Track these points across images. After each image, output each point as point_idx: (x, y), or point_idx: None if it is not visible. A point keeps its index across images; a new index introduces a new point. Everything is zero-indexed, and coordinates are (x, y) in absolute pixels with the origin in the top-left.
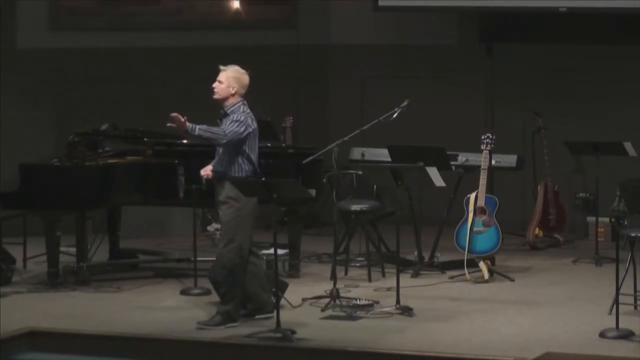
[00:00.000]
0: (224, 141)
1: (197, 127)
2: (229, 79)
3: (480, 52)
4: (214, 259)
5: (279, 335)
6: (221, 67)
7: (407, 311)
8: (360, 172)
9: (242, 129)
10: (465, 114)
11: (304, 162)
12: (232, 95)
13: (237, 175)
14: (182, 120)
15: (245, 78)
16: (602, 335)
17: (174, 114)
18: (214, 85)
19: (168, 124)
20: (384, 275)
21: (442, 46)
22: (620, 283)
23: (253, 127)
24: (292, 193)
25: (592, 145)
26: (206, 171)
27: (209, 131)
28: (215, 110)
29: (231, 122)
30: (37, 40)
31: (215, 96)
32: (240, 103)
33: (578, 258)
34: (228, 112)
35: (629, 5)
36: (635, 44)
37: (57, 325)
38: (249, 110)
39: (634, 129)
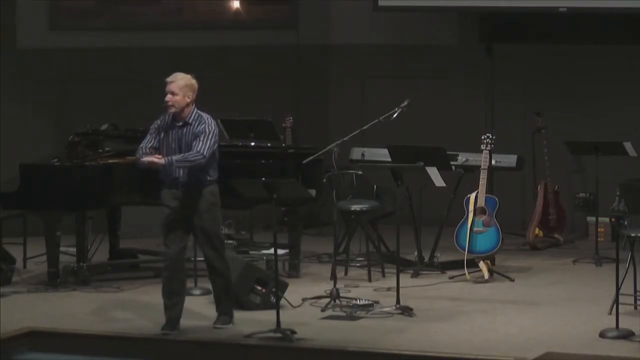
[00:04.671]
0: (204, 161)
1: (174, 159)
2: (183, 89)
3: (480, 52)
4: None
5: (279, 335)
6: (168, 80)
7: (407, 311)
8: (360, 172)
9: (214, 139)
10: (465, 114)
11: (304, 162)
12: (188, 104)
13: (211, 179)
14: (157, 161)
15: (195, 83)
16: (602, 335)
17: (148, 160)
18: (167, 99)
19: (146, 163)
20: (384, 275)
21: (442, 46)
22: (620, 283)
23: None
24: (292, 193)
25: (592, 145)
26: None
27: (187, 160)
28: (215, 108)
29: (204, 137)
30: (37, 40)
31: (172, 110)
32: (196, 110)
33: (578, 258)
34: (190, 121)
35: (628, 5)
36: (635, 44)
37: (57, 325)
38: (205, 114)
39: (634, 129)
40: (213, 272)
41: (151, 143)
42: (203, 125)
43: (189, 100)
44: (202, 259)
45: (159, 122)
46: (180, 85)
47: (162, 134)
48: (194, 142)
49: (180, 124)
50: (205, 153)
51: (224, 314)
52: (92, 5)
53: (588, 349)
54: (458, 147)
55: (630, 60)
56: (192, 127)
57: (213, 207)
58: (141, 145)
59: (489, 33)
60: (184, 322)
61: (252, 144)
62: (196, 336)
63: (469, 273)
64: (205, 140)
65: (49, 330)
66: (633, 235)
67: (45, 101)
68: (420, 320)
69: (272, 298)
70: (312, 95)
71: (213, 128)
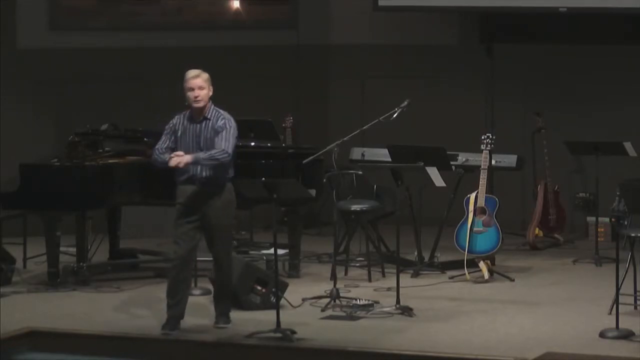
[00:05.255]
0: (229, 159)
1: (201, 157)
2: (207, 82)
3: (480, 52)
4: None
5: (279, 335)
6: (190, 76)
7: (407, 311)
8: (360, 172)
9: (235, 134)
10: (465, 114)
11: (304, 162)
12: (210, 98)
13: (229, 177)
14: (183, 160)
15: None
16: (602, 335)
17: (176, 161)
18: (197, 94)
19: (172, 163)
20: (384, 275)
21: (442, 46)
22: (620, 283)
23: None
24: (292, 193)
25: (592, 145)
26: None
27: (213, 158)
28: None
29: (226, 134)
30: (37, 40)
31: (201, 105)
32: (213, 105)
33: (578, 258)
34: (208, 116)
35: (628, 5)
36: (635, 44)
37: (57, 325)
38: (222, 110)
39: (634, 129)
40: (219, 270)
41: (166, 144)
42: (223, 121)
43: (211, 93)
44: (203, 259)
45: (174, 121)
46: (205, 79)
47: (179, 133)
48: (216, 139)
49: (200, 119)
50: (229, 151)
51: (224, 314)
52: (92, 5)
53: (588, 349)
54: (458, 147)
55: (630, 60)
56: (210, 122)
57: (230, 204)
58: (156, 147)
59: (489, 33)
60: (184, 322)
61: (252, 144)
62: (196, 336)
63: (469, 273)
64: (228, 137)
65: (49, 330)
66: (633, 235)
67: (45, 101)
68: (420, 320)
69: (272, 298)
70: (312, 95)
71: (233, 124)
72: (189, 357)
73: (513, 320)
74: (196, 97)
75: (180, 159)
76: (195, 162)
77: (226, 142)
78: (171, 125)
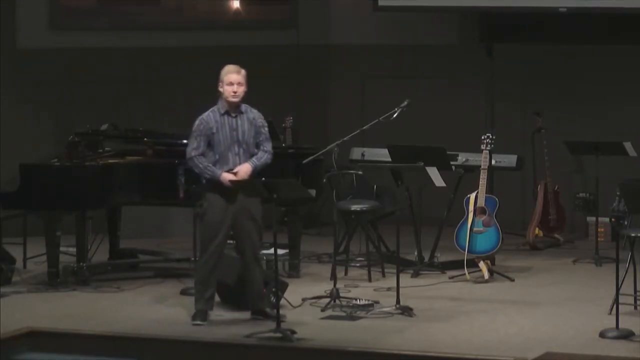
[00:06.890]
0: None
1: (257, 164)
2: (245, 79)
3: (480, 52)
4: None
5: (279, 335)
6: (233, 70)
7: (407, 311)
8: (360, 172)
9: None
10: (465, 114)
11: (304, 162)
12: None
13: None
14: (245, 173)
15: None
16: (602, 335)
17: (235, 179)
18: (236, 90)
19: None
20: (384, 275)
21: (442, 46)
22: (620, 283)
23: None
24: (292, 193)
25: (592, 145)
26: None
27: (265, 164)
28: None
29: (267, 132)
30: (37, 40)
31: (237, 100)
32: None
33: (578, 258)
34: (242, 110)
35: (629, 5)
36: (635, 44)
37: (57, 325)
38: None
39: (634, 129)
40: (255, 263)
41: (202, 147)
42: (253, 115)
43: (246, 90)
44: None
45: (205, 120)
46: (244, 75)
47: (215, 130)
48: (260, 139)
49: (234, 114)
50: (271, 150)
51: (269, 303)
52: (92, 5)
53: (588, 349)
54: (458, 147)
55: (630, 60)
56: (245, 115)
57: (260, 197)
58: (193, 152)
59: (489, 33)
60: (183, 322)
61: None
62: (196, 336)
63: (469, 273)
64: (269, 137)
65: (49, 330)
66: (633, 235)
67: (45, 101)
68: (420, 320)
69: (272, 298)
70: (312, 95)
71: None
72: (189, 357)
73: (513, 320)
74: (235, 92)
75: (244, 173)
76: (255, 172)
77: (269, 142)
78: (203, 125)
